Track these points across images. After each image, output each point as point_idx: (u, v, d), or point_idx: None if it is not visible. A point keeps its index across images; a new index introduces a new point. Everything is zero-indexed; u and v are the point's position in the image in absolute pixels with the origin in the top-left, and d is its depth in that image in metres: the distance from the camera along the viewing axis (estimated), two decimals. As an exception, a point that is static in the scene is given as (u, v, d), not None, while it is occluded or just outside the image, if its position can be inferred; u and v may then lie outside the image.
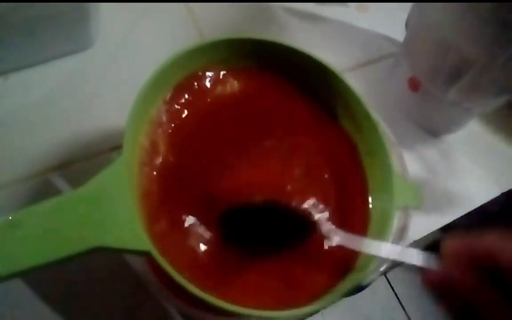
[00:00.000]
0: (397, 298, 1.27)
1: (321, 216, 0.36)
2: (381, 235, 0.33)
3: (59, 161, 0.43)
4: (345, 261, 0.33)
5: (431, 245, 0.45)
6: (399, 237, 0.38)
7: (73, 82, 0.48)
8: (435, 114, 0.52)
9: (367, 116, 0.37)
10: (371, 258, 0.32)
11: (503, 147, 0.55)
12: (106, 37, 0.51)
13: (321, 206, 0.36)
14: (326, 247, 0.34)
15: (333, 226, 0.35)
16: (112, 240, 0.25)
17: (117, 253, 0.26)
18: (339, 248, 0.34)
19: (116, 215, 0.26)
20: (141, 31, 0.53)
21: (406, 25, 0.52)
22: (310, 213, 0.35)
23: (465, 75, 0.45)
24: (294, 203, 0.35)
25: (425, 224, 0.48)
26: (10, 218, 0.24)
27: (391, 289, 1.27)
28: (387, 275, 1.30)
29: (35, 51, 0.47)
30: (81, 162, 0.43)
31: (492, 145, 0.55)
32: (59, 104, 0.46)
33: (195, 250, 0.32)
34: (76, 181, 0.42)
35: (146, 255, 0.26)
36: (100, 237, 0.25)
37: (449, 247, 0.26)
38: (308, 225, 0.35)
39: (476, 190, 0.51)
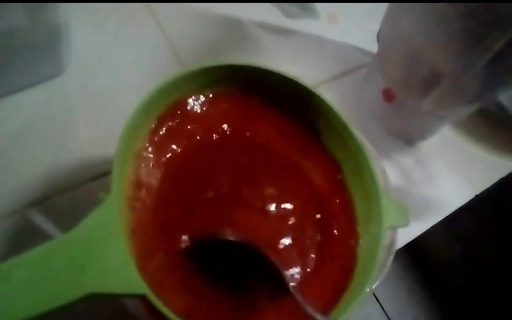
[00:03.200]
0: (383, 309, 1.27)
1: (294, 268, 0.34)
2: (371, 257, 0.33)
3: (37, 195, 0.41)
4: None
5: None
6: (388, 252, 0.38)
7: (46, 112, 0.46)
8: (410, 123, 0.53)
9: (351, 136, 0.37)
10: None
11: (473, 149, 0.56)
12: (79, 62, 0.49)
13: (306, 240, 0.36)
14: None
15: (294, 287, 0.33)
16: (105, 286, 0.24)
17: (111, 298, 0.25)
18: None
19: (108, 260, 0.25)
20: (114, 55, 0.51)
21: (378, 37, 0.52)
22: (279, 268, 0.31)
23: (437, 85, 0.46)
24: (272, 247, 0.34)
25: (404, 232, 0.48)
26: (-5, 270, 0.22)
27: (375, 299, 1.27)
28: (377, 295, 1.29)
29: (3, 82, 0.45)
30: (61, 195, 0.41)
31: (464, 148, 0.56)
32: (33, 135, 0.44)
33: (188, 288, 0.31)
34: (57, 216, 0.41)
35: (141, 298, 0.25)
36: (93, 284, 0.24)
37: None
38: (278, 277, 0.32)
39: (451, 194, 0.52)
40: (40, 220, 0.40)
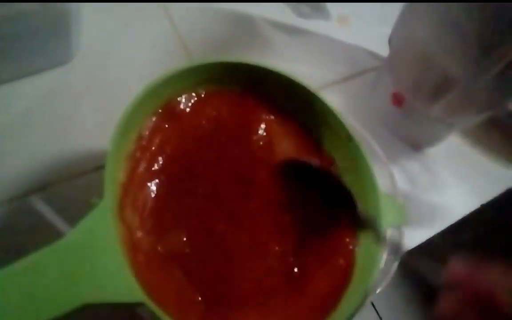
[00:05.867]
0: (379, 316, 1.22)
1: None
2: (371, 257, 0.31)
3: (39, 182, 0.38)
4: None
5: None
6: (394, 255, 0.35)
7: (52, 99, 0.43)
8: (418, 129, 0.50)
9: (348, 135, 0.35)
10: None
11: (481, 159, 0.53)
12: (87, 51, 0.46)
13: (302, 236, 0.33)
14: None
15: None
16: (100, 295, 0.21)
17: (108, 307, 0.22)
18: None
19: (102, 267, 0.22)
20: (123, 45, 0.48)
21: (389, 41, 0.49)
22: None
23: (448, 92, 0.43)
24: None
25: (407, 238, 0.45)
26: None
27: (375, 312, 1.22)
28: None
29: (12, 67, 0.42)
30: (63, 183, 0.39)
31: (471, 157, 0.53)
32: (38, 122, 0.41)
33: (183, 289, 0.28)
34: (58, 204, 0.38)
35: (140, 306, 0.22)
36: (87, 294, 0.21)
37: (452, 272, 0.25)
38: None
39: (457, 203, 0.49)
40: (41, 207, 0.37)
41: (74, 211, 0.38)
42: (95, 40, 0.47)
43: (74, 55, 0.45)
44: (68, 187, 0.39)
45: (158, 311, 0.23)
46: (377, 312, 1.22)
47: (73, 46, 0.45)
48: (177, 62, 0.49)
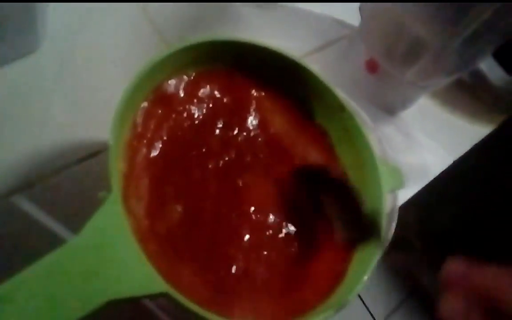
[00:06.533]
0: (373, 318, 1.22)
1: None
2: (374, 223, 0.31)
3: (21, 181, 0.36)
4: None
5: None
6: (391, 219, 0.36)
7: (21, 91, 0.40)
8: (392, 94, 0.51)
9: (340, 105, 0.35)
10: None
11: (449, 117, 0.55)
12: (55, 37, 0.43)
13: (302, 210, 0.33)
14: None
15: None
16: (124, 290, 0.20)
17: (130, 302, 0.21)
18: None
19: (122, 261, 0.21)
20: (92, 29, 0.45)
21: (360, 9, 0.49)
22: None
23: (420, 57, 0.44)
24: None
25: (388, 200, 0.46)
26: (-1, 291, 0.18)
27: (366, 310, 1.23)
28: (362, 295, 1.23)
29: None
30: (46, 179, 0.37)
31: (441, 116, 0.55)
32: (10, 115, 0.38)
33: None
34: (44, 201, 0.36)
35: (163, 296, 0.22)
36: (110, 290, 0.20)
37: (448, 273, 0.24)
38: None
39: (431, 162, 0.51)
40: (26, 206, 0.35)
41: (62, 207, 0.36)
42: (62, 25, 0.44)
43: (41, 43, 0.42)
44: (53, 182, 0.37)
45: (181, 299, 0.22)
46: (362, 300, 1.25)
47: (39, 33, 0.41)
48: (148, 43, 0.47)
